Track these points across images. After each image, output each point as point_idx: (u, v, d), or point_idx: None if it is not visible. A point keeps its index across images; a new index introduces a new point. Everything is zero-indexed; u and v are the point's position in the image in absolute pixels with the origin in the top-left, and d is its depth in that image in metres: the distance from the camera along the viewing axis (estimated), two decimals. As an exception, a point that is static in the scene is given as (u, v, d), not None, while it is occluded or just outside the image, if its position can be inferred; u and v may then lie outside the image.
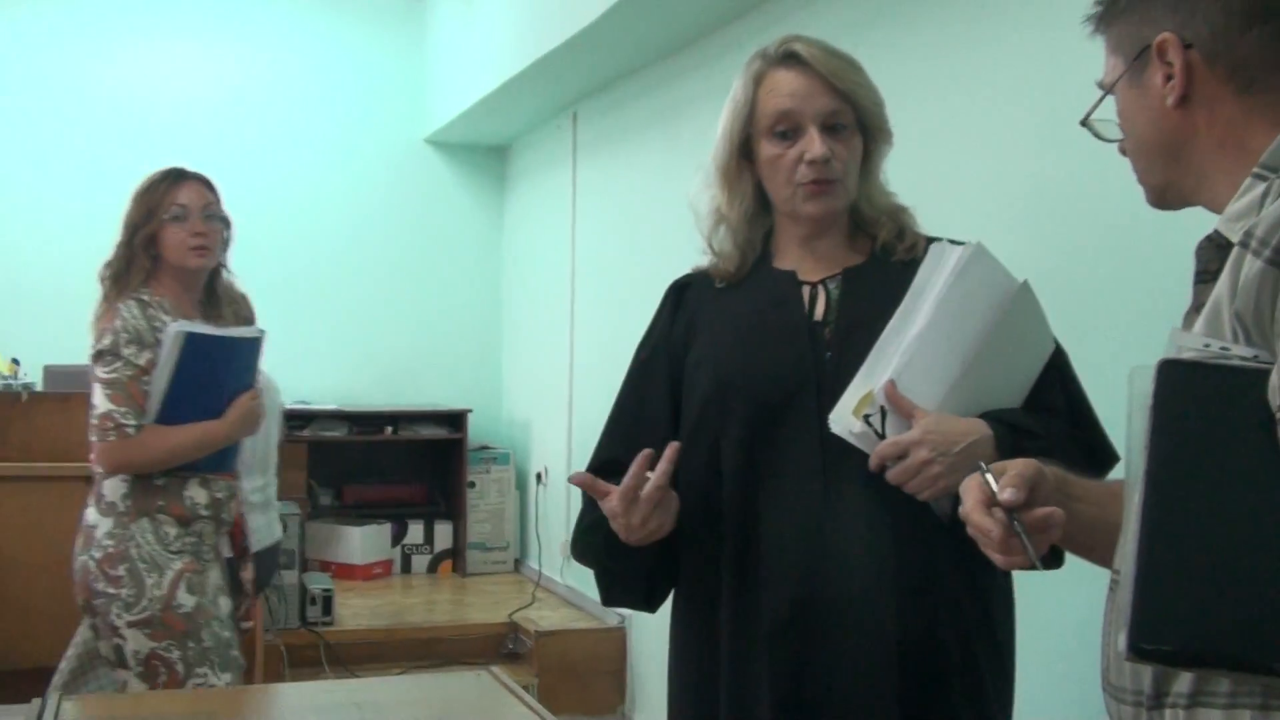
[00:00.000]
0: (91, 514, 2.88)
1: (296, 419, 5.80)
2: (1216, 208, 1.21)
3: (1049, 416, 1.72)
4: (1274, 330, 1.07)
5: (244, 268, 6.32)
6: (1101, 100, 1.30)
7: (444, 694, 2.78)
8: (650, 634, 4.72)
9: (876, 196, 1.85)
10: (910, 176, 1.99)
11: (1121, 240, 2.45)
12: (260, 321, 6.39)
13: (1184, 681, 1.12)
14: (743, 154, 1.83)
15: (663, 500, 1.72)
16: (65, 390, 4.74)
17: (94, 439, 2.82)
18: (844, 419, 1.65)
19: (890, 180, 1.91)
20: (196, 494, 2.89)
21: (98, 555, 2.82)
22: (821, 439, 1.72)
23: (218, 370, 2.90)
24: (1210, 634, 1.04)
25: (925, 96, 3.06)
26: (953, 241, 1.77)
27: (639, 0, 3.95)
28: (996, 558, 1.27)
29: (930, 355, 1.64)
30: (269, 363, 3.56)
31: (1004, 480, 1.24)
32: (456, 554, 6.18)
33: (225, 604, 2.96)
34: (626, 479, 1.69)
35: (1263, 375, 1.07)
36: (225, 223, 3.12)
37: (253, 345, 3.02)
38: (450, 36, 6.20)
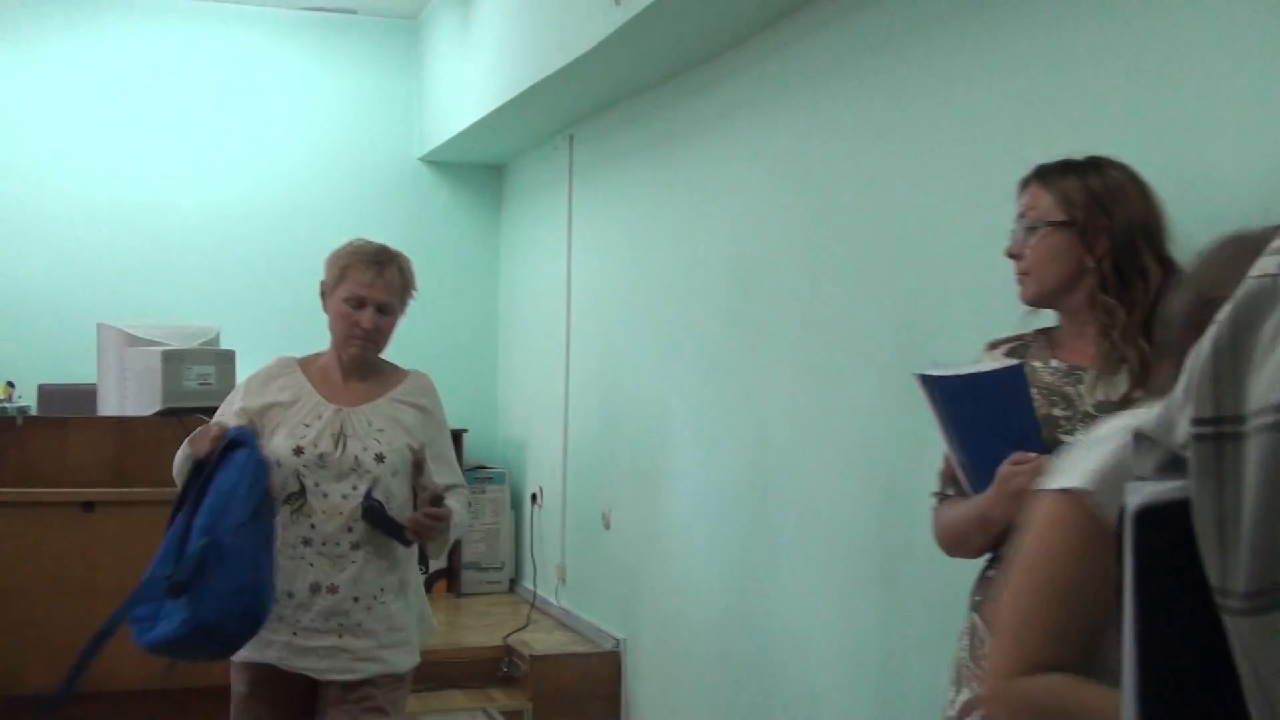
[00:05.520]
0: None
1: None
2: None
3: None
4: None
5: (239, 287, 6.42)
6: None
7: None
8: (645, 657, 4.72)
9: None
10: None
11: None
12: (263, 342, 6.33)
13: None
14: None
15: None
16: (60, 412, 4.75)
17: None
18: None
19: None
20: None
21: None
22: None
23: (995, 422, 2.04)
24: None
25: (913, 136, 3.08)
26: None
27: (634, 29, 3.96)
28: None
29: None
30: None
31: None
32: (452, 574, 6.17)
33: None
34: None
35: None
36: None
37: (1007, 383, 2.02)
38: (447, 59, 6.21)
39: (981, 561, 2.14)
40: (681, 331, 4.49)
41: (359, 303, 3.00)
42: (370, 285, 3.01)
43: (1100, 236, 2.00)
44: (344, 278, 3.03)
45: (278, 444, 2.89)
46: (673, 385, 4.55)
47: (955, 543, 2.15)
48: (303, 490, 2.86)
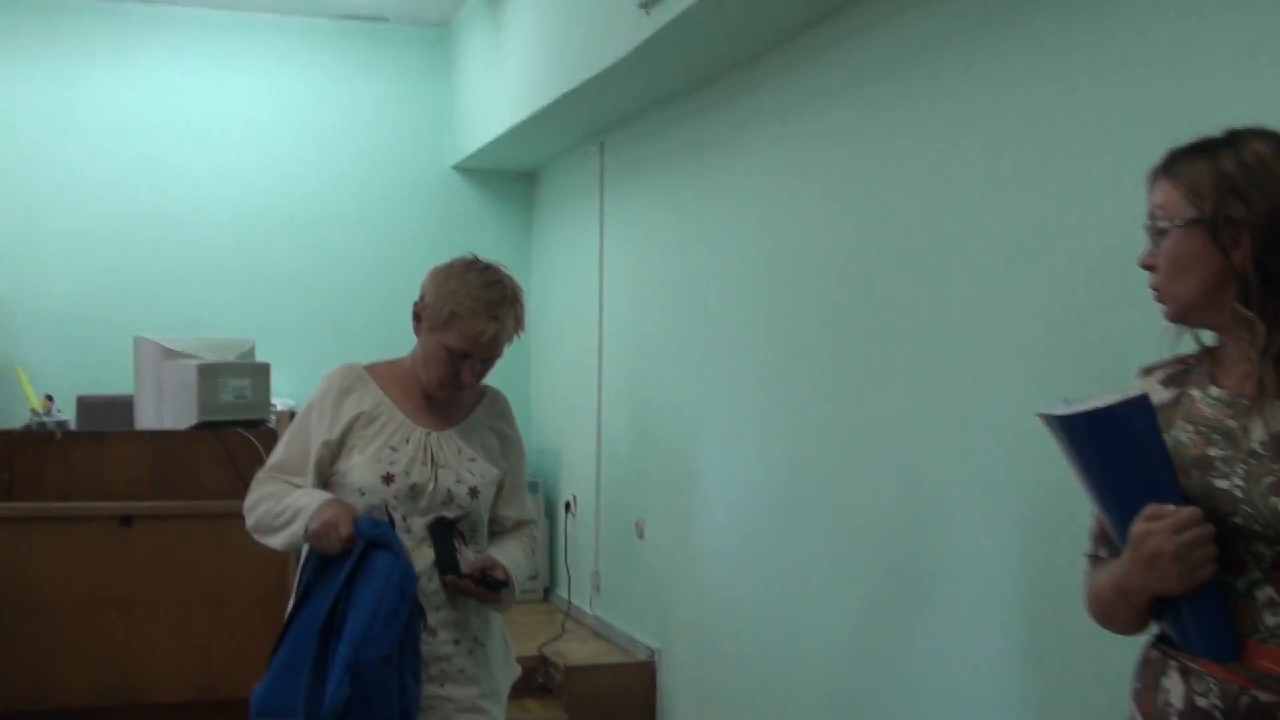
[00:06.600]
0: None
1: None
2: None
3: None
4: None
5: (274, 298, 6.44)
6: None
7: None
8: (680, 667, 4.70)
9: None
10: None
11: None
12: (298, 353, 6.23)
13: None
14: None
15: None
16: (99, 424, 4.77)
17: None
18: None
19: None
20: (1171, 685, 1.64)
21: None
22: None
23: (1125, 467, 1.63)
24: None
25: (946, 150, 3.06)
26: None
27: (665, 38, 3.95)
28: None
29: None
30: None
31: None
32: (486, 582, 6.16)
33: None
34: None
35: None
36: None
37: (1129, 419, 1.61)
38: (478, 67, 6.22)
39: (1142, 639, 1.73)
40: (714, 338, 4.47)
41: (464, 355, 2.57)
42: (483, 344, 2.56)
43: (1240, 231, 1.58)
44: (451, 325, 2.55)
45: (360, 468, 2.54)
46: (706, 393, 4.53)
47: (1103, 615, 1.74)
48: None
